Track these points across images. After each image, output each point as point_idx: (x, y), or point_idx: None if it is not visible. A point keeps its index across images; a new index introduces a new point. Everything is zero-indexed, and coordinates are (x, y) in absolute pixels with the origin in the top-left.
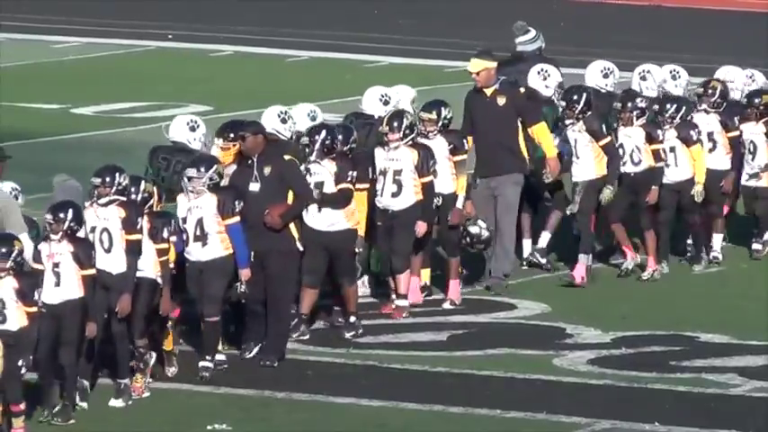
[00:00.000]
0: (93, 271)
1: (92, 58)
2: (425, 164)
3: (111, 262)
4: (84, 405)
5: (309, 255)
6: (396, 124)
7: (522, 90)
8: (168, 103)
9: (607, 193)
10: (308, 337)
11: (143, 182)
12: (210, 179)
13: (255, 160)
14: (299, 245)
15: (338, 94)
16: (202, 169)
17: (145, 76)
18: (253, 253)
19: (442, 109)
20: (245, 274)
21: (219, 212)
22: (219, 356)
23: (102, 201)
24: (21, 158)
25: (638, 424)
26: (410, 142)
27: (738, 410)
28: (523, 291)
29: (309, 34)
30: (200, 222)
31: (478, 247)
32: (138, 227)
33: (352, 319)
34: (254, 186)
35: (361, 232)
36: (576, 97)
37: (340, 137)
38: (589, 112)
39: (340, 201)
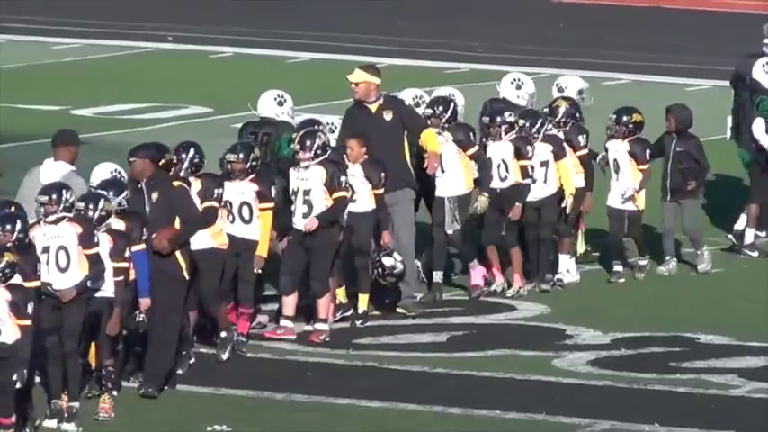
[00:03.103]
0: (38, 283)
1: (91, 60)
2: (335, 179)
3: (66, 281)
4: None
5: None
6: (308, 143)
7: (408, 102)
8: (168, 104)
9: (482, 200)
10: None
11: (102, 200)
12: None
13: (144, 185)
14: (185, 273)
15: (338, 96)
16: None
17: (144, 77)
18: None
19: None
20: (144, 303)
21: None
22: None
23: (50, 219)
24: (20, 160)
25: (638, 425)
26: (321, 161)
27: (738, 411)
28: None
29: (309, 35)
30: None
31: (390, 279)
32: (96, 240)
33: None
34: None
35: (264, 253)
36: (441, 108)
37: (241, 155)
38: (454, 122)
39: (204, 220)
